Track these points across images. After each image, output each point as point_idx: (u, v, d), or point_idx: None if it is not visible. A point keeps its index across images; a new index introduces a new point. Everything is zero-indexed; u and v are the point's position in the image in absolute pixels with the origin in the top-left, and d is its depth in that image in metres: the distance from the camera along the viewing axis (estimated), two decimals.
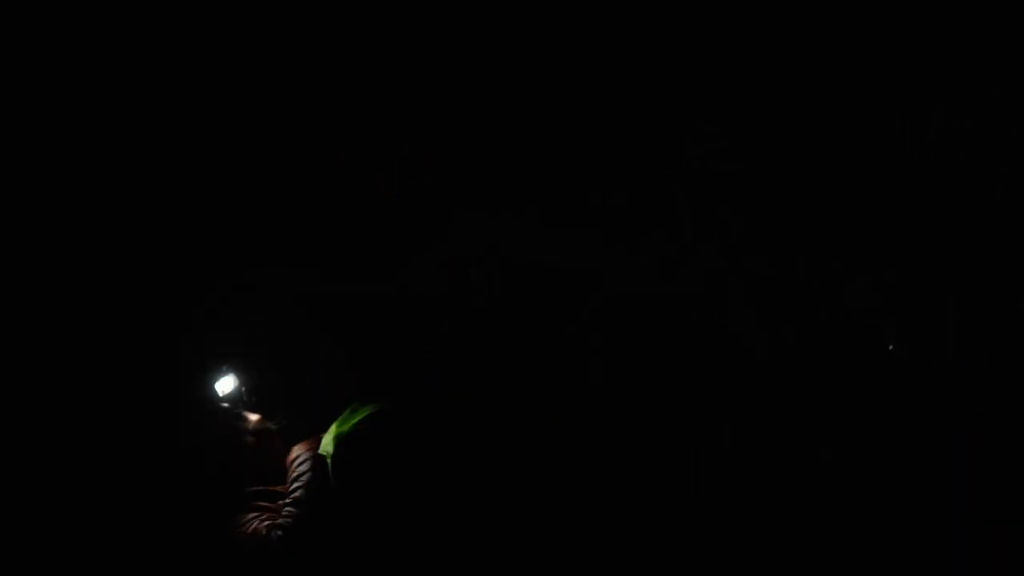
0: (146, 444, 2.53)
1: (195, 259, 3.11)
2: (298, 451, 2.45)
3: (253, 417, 2.57)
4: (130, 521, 2.45)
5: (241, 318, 2.86)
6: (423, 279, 3.13)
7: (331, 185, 3.23)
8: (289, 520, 2.25)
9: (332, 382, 2.75)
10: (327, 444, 2.38)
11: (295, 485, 2.35)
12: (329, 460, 2.34)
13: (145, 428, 2.56)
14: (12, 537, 2.44)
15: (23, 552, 2.42)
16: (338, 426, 2.40)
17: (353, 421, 2.39)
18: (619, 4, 3.09)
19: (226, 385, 2.64)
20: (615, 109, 3.15)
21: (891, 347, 2.77)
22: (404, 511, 2.28)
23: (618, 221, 3.12)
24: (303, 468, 2.37)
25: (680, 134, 3.07)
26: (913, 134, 2.87)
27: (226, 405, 2.60)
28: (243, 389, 2.64)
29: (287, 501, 2.32)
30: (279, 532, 2.22)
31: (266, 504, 2.36)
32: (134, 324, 2.83)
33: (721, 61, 3.02)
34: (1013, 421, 2.50)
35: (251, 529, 2.26)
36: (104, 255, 2.98)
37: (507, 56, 3.15)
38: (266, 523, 2.26)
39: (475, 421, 2.49)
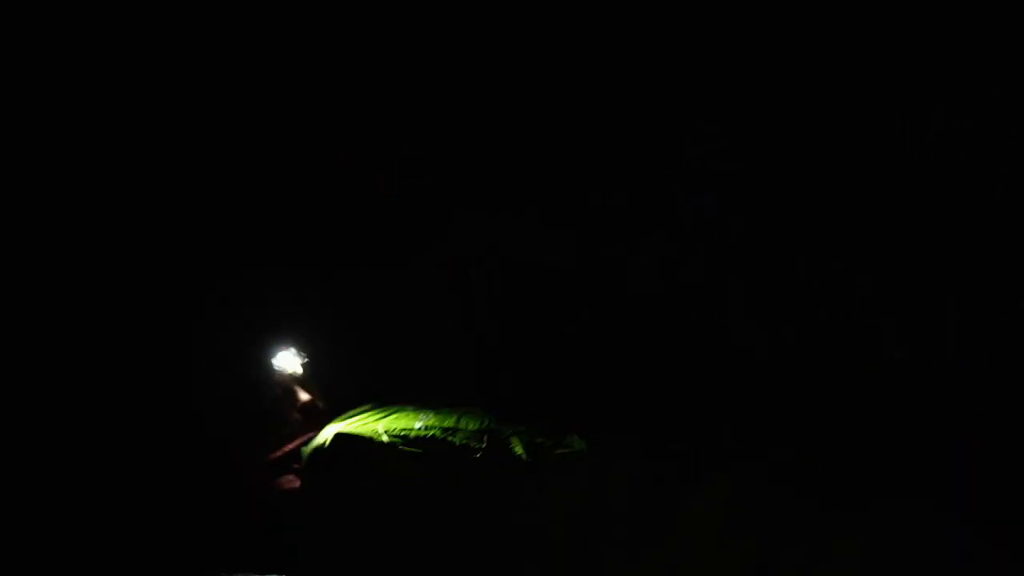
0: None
1: (196, 258, 3.12)
2: None
3: (304, 396, 2.64)
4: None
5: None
6: (423, 279, 3.13)
7: (331, 185, 3.23)
8: None
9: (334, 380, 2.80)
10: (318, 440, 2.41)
11: None
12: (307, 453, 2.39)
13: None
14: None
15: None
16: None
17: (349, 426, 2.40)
18: (619, 4, 3.09)
19: (285, 360, 2.74)
20: (615, 109, 3.15)
21: (896, 354, 2.76)
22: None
23: (618, 221, 3.12)
24: None
25: (680, 134, 3.07)
26: (913, 134, 2.87)
27: (281, 378, 2.71)
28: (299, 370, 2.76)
29: None
30: None
31: None
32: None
33: (721, 61, 3.02)
34: (1013, 421, 2.50)
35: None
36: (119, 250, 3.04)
37: (507, 56, 3.15)
38: None
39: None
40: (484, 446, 2.31)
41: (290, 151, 3.23)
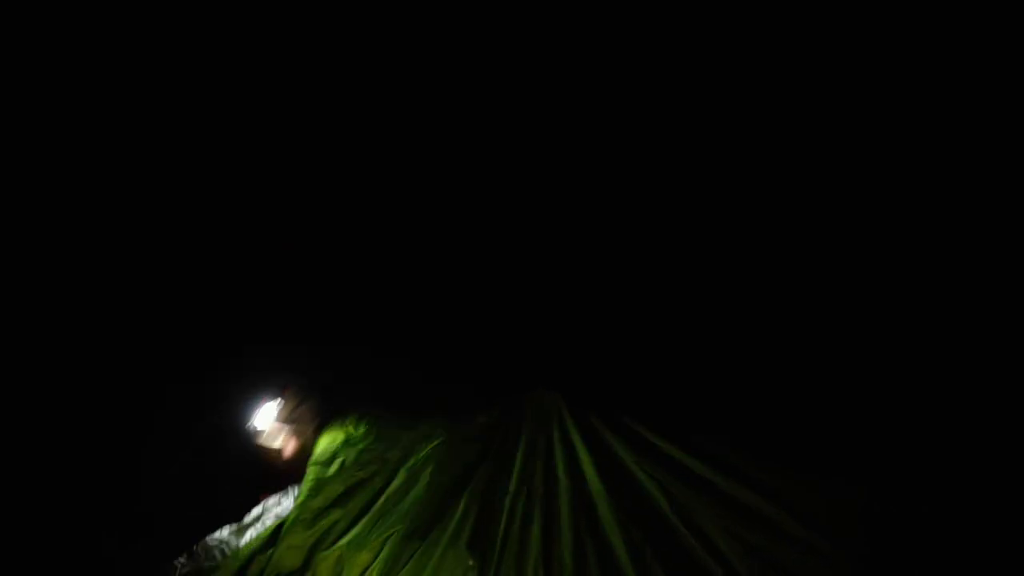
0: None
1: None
2: None
3: (290, 444, 2.86)
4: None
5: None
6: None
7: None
8: None
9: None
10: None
11: None
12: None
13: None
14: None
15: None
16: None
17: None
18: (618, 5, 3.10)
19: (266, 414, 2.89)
20: (614, 109, 3.16)
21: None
22: None
23: (618, 221, 3.12)
24: None
25: (679, 134, 3.08)
26: (913, 134, 2.87)
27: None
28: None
29: None
30: None
31: None
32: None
33: (720, 61, 3.03)
34: (1013, 421, 2.49)
35: None
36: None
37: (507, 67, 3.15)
38: None
39: None
40: None
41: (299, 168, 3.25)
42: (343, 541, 2.48)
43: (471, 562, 2.32)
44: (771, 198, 3.04)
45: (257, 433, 2.88)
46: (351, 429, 2.80)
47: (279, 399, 2.90)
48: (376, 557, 2.39)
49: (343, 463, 2.70)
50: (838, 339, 2.81)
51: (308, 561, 2.46)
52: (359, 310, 3.18)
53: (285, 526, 2.57)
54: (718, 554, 2.27)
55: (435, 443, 2.65)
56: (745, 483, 2.39)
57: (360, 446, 2.74)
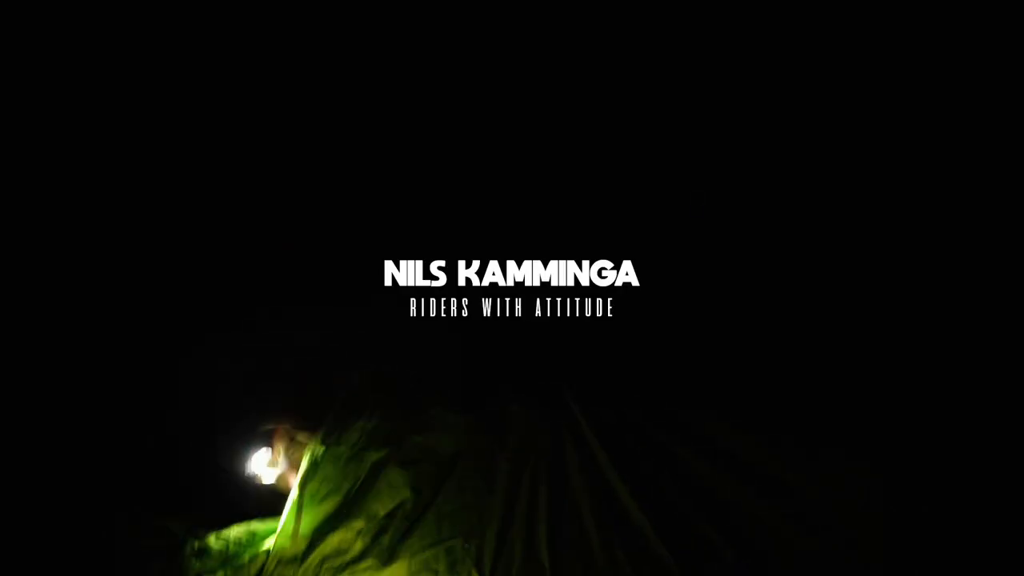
0: None
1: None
2: None
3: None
4: None
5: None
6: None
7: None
8: None
9: None
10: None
11: None
12: None
13: None
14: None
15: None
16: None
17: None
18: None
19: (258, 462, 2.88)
20: (615, 109, 3.16)
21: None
22: None
23: (618, 222, 3.13)
24: None
25: (678, 135, 3.08)
26: (912, 134, 2.88)
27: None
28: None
29: None
30: None
31: None
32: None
33: (719, 61, 3.03)
34: (1013, 421, 2.50)
35: None
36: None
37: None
38: None
39: None
40: None
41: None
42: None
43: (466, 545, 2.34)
44: (773, 190, 3.04)
45: (257, 478, 2.88)
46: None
47: (266, 448, 2.87)
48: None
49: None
50: (838, 339, 2.81)
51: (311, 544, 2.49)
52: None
53: (290, 511, 2.55)
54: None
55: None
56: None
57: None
